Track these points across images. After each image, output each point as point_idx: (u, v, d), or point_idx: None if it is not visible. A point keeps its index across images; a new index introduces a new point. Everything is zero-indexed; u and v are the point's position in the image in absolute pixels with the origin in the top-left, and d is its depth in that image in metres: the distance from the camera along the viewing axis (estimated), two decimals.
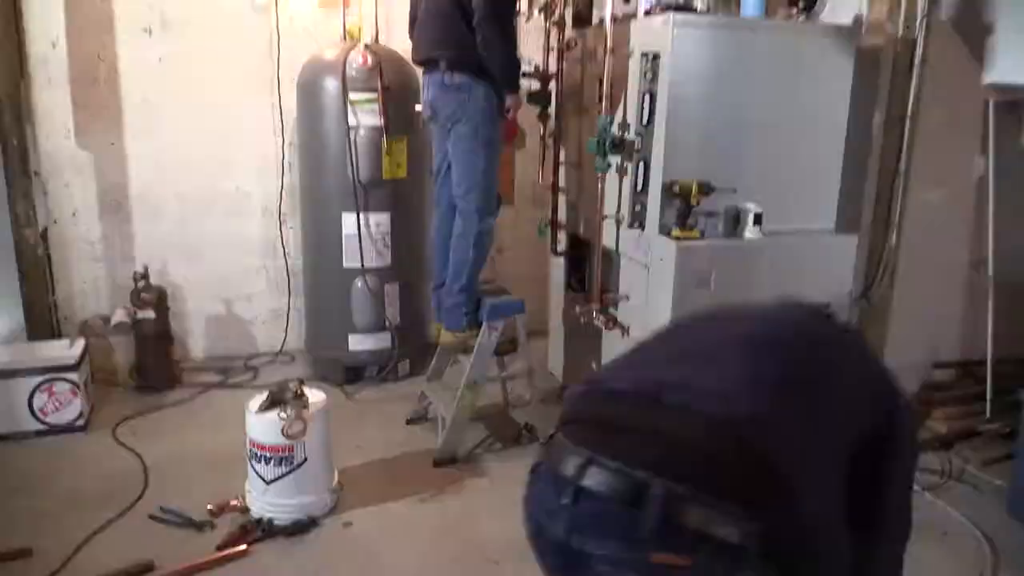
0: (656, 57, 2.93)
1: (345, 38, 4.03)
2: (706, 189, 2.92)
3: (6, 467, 3.20)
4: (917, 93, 3.25)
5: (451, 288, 3.37)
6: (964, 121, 3.54)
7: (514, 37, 3.30)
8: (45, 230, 3.94)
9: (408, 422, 3.68)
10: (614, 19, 3.17)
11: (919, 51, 3.21)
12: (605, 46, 3.15)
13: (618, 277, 3.38)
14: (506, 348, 3.41)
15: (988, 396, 3.59)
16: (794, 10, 3.32)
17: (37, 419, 3.40)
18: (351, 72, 3.74)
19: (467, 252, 3.31)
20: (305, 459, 2.77)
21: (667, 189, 2.99)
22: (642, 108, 3.00)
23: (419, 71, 3.50)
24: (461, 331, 3.38)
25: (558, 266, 4.04)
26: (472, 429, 3.48)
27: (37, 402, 3.39)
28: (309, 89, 3.93)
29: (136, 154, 4.15)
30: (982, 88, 3.49)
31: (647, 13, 3.10)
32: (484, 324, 3.28)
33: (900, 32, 3.19)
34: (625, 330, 3.31)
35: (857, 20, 3.37)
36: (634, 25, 3.13)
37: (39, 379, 3.40)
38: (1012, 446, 3.24)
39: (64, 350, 3.57)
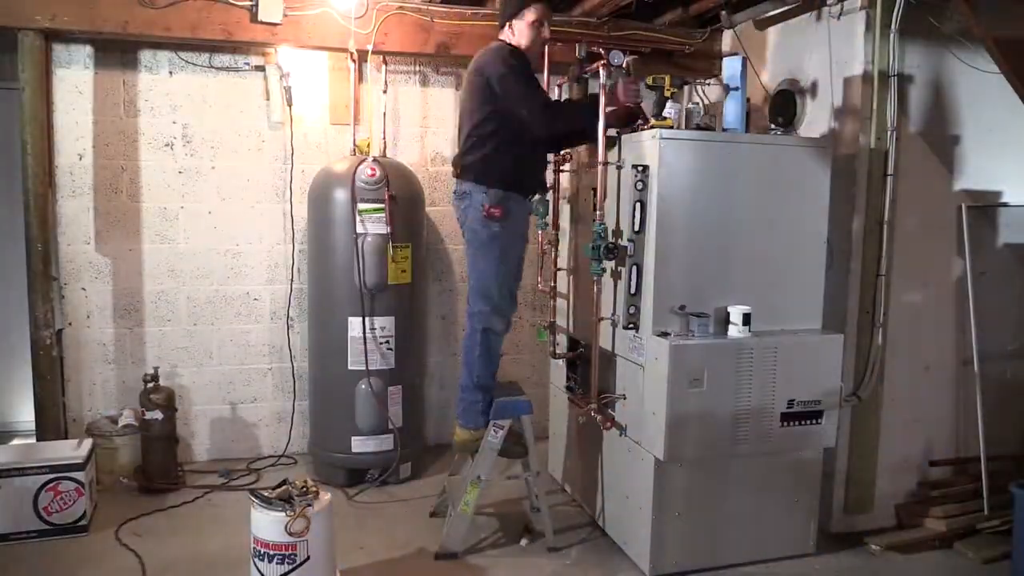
0: (645, 169, 3.13)
1: (355, 152, 4.29)
2: None
3: (7, 570, 3.20)
4: (893, 199, 3.46)
5: (465, 385, 3.45)
6: (940, 225, 3.70)
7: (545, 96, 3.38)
8: (59, 332, 4.07)
9: (432, 515, 3.78)
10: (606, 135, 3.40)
11: (891, 161, 3.44)
12: (598, 159, 3.35)
13: (615, 377, 3.47)
14: (517, 452, 3.47)
15: (985, 493, 3.61)
16: (772, 125, 3.57)
17: (41, 518, 3.41)
18: (360, 183, 3.95)
19: (472, 351, 3.41)
20: (308, 558, 2.76)
21: None
22: (634, 216, 3.17)
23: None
24: (475, 429, 3.43)
25: (558, 369, 4.13)
26: (481, 527, 3.54)
27: (42, 501, 3.42)
28: (320, 199, 4.14)
29: (152, 260, 4.33)
30: (954, 193, 3.70)
31: (635, 129, 3.33)
32: (490, 423, 3.37)
33: (873, 144, 3.43)
34: (623, 429, 3.38)
35: (831, 133, 3.61)
36: (625, 140, 3.35)
37: (46, 478, 3.43)
38: (1011, 544, 3.26)
39: (72, 450, 3.61)
